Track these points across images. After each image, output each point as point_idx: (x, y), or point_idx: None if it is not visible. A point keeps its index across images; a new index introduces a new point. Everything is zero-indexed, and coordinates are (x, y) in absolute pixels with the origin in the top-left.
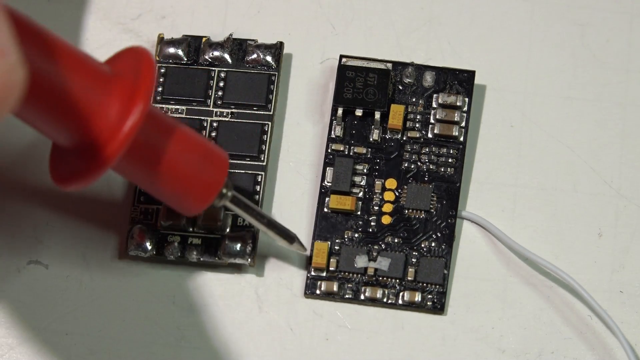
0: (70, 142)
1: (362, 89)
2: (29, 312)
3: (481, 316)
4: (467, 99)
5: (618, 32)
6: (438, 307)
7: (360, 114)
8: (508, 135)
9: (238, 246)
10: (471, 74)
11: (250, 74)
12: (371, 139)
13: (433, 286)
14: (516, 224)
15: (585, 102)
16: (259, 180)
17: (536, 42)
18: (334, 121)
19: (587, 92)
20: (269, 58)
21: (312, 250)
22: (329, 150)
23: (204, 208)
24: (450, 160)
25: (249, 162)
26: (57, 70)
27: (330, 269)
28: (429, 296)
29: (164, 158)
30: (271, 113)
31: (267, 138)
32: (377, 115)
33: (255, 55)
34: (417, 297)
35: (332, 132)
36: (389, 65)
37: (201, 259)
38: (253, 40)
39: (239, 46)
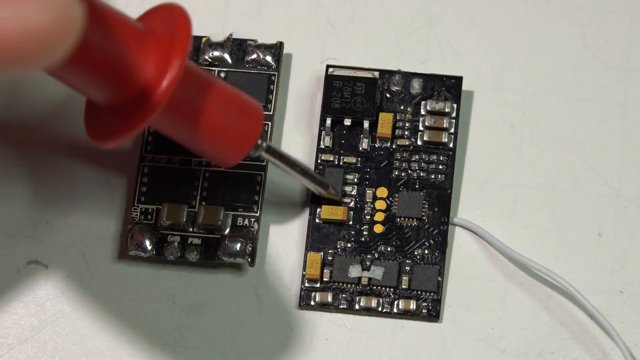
0: (108, 99)
1: (350, 99)
2: (28, 312)
3: (481, 316)
4: (455, 105)
5: (618, 32)
6: (433, 314)
7: (348, 124)
8: (508, 135)
9: (238, 246)
10: (458, 79)
11: (250, 74)
12: (360, 148)
13: (427, 294)
14: (516, 223)
15: (585, 102)
16: (259, 180)
17: (536, 42)
18: (323, 131)
19: (587, 92)
20: (269, 58)
21: (305, 261)
22: (319, 161)
23: (242, 159)
24: (440, 167)
25: (249, 162)
26: (94, 25)
27: (324, 279)
28: (424, 304)
29: (201, 112)
30: (271, 113)
31: (267, 138)
32: (366, 124)
33: (255, 55)
34: (412, 305)
35: (322, 143)
36: (376, 74)
37: (201, 259)
38: (253, 40)
39: (239, 46)
